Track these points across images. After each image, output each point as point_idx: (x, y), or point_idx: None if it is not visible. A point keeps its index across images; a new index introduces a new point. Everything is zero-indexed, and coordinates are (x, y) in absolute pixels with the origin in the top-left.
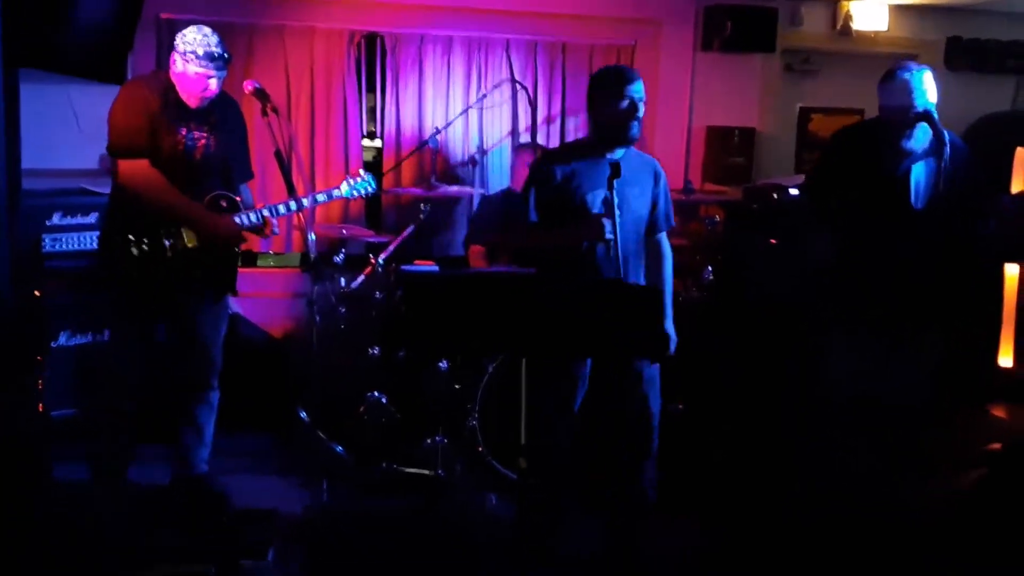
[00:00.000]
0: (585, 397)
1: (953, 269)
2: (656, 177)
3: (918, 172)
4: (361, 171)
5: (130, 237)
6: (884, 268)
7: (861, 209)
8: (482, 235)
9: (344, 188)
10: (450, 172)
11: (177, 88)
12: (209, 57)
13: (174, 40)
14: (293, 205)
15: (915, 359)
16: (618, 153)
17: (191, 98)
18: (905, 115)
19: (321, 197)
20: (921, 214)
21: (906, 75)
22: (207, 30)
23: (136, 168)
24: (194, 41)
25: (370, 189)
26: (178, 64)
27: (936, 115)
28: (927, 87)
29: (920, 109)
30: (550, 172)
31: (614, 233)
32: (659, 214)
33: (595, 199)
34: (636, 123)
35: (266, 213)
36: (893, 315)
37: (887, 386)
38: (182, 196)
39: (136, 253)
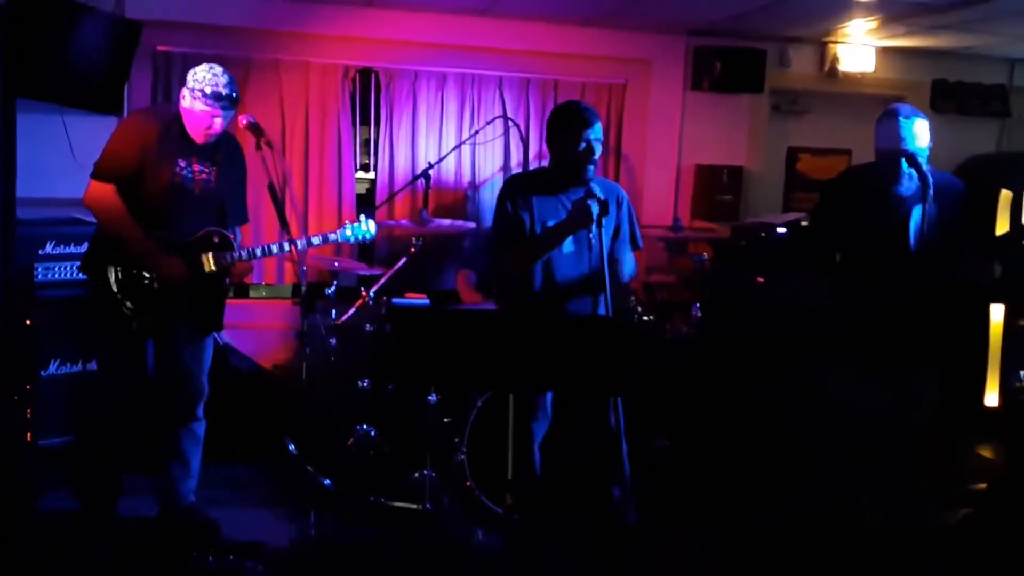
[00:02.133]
0: (551, 425)
1: (945, 310)
2: (619, 203)
3: (916, 215)
4: (362, 216)
5: (114, 267)
6: (881, 309)
7: (860, 251)
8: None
9: (342, 233)
10: (442, 207)
11: (184, 122)
12: (216, 97)
13: (186, 74)
14: (287, 247)
15: (910, 399)
16: (595, 188)
17: (196, 133)
18: (893, 158)
19: (316, 240)
20: (916, 256)
21: (896, 120)
22: (218, 69)
23: (101, 191)
24: (204, 80)
25: (368, 236)
26: (186, 100)
27: (923, 159)
28: (917, 132)
29: (909, 152)
30: (514, 200)
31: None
32: (623, 238)
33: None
34: (592, 166)
35: (259, 253)
36: (889, 356)
37: (882, 423)
38: (136, 230)
39: (115, 278)
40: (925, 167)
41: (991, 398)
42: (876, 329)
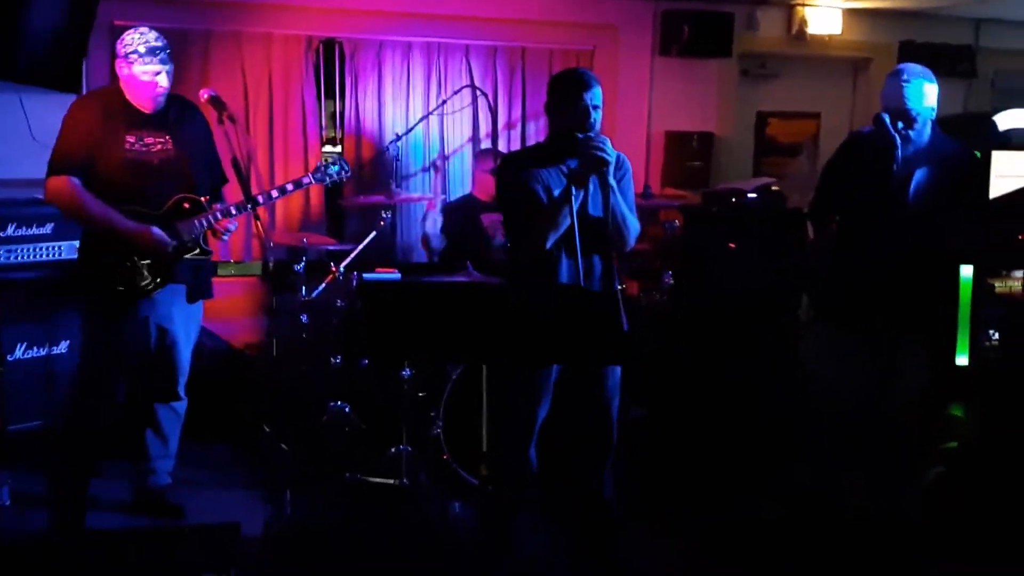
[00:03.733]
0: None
1: (925, 273)
2: (620, 165)
3: (916, 178)
4: (329, 156)
5: (106, 251)
6: (868, 272)
7: (857, 213)
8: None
9: (313, 175)
10: (411, 179)
11: (127, 94)
12: (152, 52)
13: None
14: (262, 198)
15: (903, 365)
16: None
17: (146, 101)
18: (894, 116)
19: (290, 187)
20: (905, 219)
21: (897, 79)
22: (143, 28)
23: (59, 185)
24: (133, 41)
25: (344, 172)
26: (124, 69)
27: (922, 120)
28: (919, 91)
29: (913, 113)
30: (516, 176)
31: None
32: (628, 203)
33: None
34: (591, 128)
35: (234, 211)
36: (882, 320)
37: (873, 391)
38: (105, 213)
39: (111, 264)
40: (917, 127)
41: (961, 358)
42: (862, 292)
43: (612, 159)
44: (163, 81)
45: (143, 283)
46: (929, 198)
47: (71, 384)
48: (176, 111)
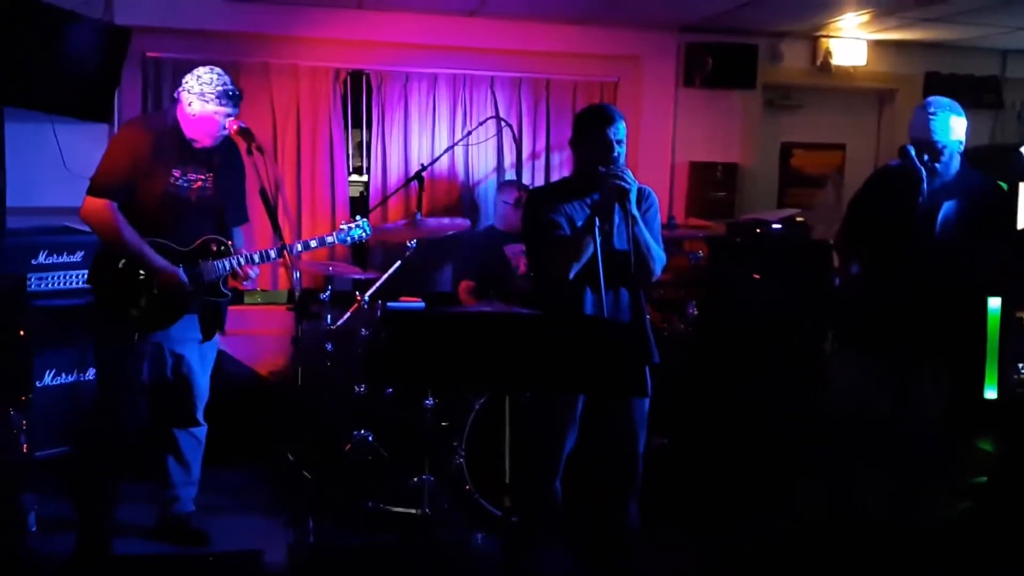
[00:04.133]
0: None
1: (951, 304)
2: (646, 197)
3: (946, 209)
4: (357, 217)
5: (123, 264)
6: (900, 300)
7: (885, 244)
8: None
9: (337, 234)
10: (436, 209)
11: (184, 129)
12: (227, 95)
13: (184, 81)
14: (282, 252)
15: (920, 404)
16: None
17: (205, 138)
18: (920, 148)
19: (313, 243)
20: (938, 250)
21: (923, 111)
22: (218, 69)
23: (97, 206)
24: (211, 82)
25: (364, 235)
26: (194, 105)
27: (948, 153)
28: (945, 124)
29: (939, 145)
30: (540, 209)
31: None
32: (654, 233)
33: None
34: (614, 161)
35: (256, 259)
36: (897, 351)
37: (892, 415)
38: (134, 242)
39: (126, 272)
40: (944, 160)
41: (990, 391)
42: (886, 320)
43: (633, 188)
44: (230, 126)
45: (156, 318)
46: (956, 230)
47: (95, 410)
48: (223, 150)
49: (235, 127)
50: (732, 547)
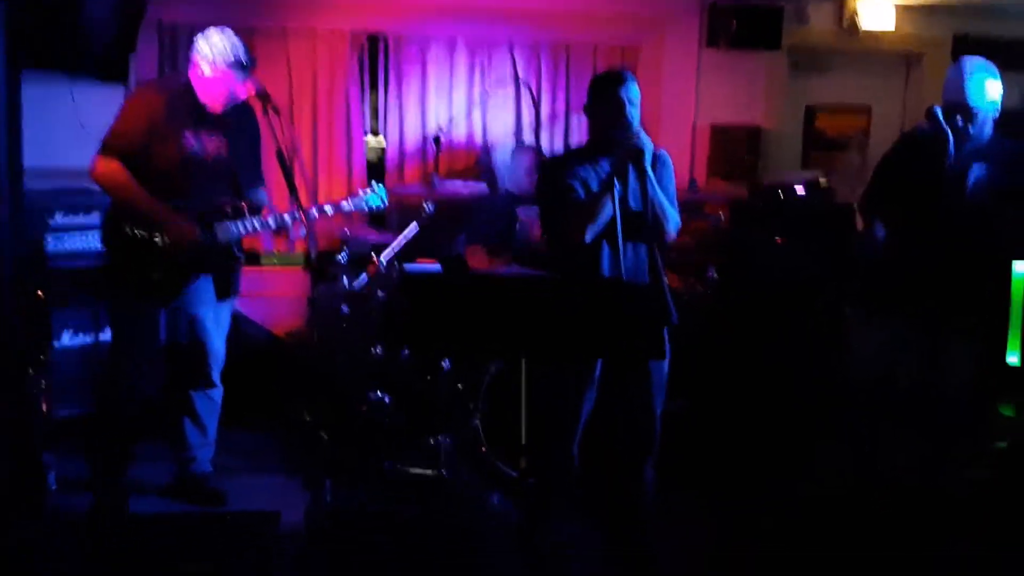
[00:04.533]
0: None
1: (976, 269)
2: (662, 161)
3: (977, 173)
4: (373, 183)
5: (130, 229)
6: (927, 263)
7: (913, 205)
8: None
9: (353, 200)
10: (453, 171)
11: (197, 92)
12: (239, 65)
13: (196, 43)
14: (298, 216)
15: (957, 356)
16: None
17: (216, 103)
18: (950, 112)
19: (328, 209)
20: (967, 214)
21: (958, 72)
22: (231, 35)
23: (107, 166)
24: (224, 49)
25: (381, 204)
26: (205, 69)
27: (984, 115)
28: (980, 86)
29: (974, 108)
30: (554, 174)
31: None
32: (670, 196)
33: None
34: (627, 124)
35: (272, 224)
36: (931, 310)
37: (918, 378)
38: (145, 196)
39: (136, 237)
40: (977, 123)
41: (1013, 357)
42: (913, 283)
43: (647, 148)
44: (241, 93)
45: (170, 285)
46: (985, 194)
47: (111, 372)
48: (236, 114)
49: (252, 89)
50: (751, 512)
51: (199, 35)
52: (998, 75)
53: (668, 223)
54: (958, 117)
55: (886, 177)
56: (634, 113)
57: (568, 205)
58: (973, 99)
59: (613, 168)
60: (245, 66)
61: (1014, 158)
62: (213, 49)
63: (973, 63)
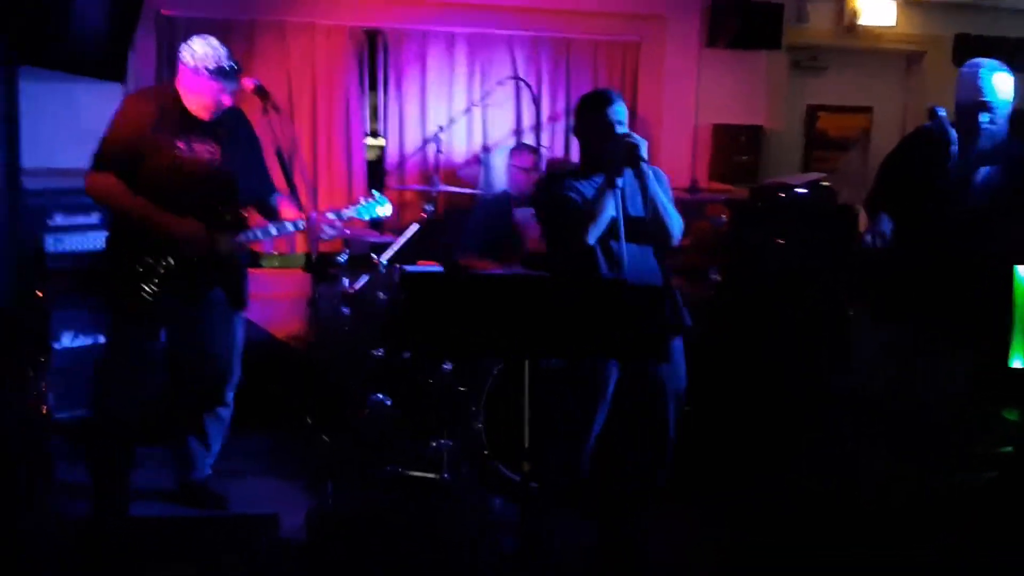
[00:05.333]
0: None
1: (978, 272)
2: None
3: (984, 174)
4: (375, 193)
5: (136, 256)
6: (928, 265)
7: (916, 206)
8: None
9: (355, 209)
10: (453, 171)
11: (184, 100)
12: (221, 73)
13: (179, 49)
14: (301, 224)
15: (944, 359)
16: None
17: (203, 111)
18: (966, 111)
19: (331, 216)
20: (971, 216)
21: (972, 71)
22: (214, 42)
23: (101, 180)
24: (206, 56)
25: (384, 213)
26: (188, 78)
27: (997, 114)
28: (992, 84)
29: (991, 104)
30: (551, 188)
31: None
32: (669, 200)
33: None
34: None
35: (273, 232)
36: (934, 314)
37: (920, 385)
38: (145, 204)
39: (140, 270)
40: (998, 119)
41: (1016, 360)
42: (912, 284)
43: (642, 144)
44: (226, 101)
45: (174, 307)
46: (992, 197)
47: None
48: (229, 121)
49: (250, 86)
50: (754, 514)
51: (183, 43)
52: (1009, 71)
53: (671, 223)
54: (967, 117)
55: (890, 177)
56: (623, 132)
57: (568, 211)
58: (989, 95)
59: (611, 167)
60: (229, 72)
61: (1021, 160)
62: (195, 57)
63: (984, 61)
